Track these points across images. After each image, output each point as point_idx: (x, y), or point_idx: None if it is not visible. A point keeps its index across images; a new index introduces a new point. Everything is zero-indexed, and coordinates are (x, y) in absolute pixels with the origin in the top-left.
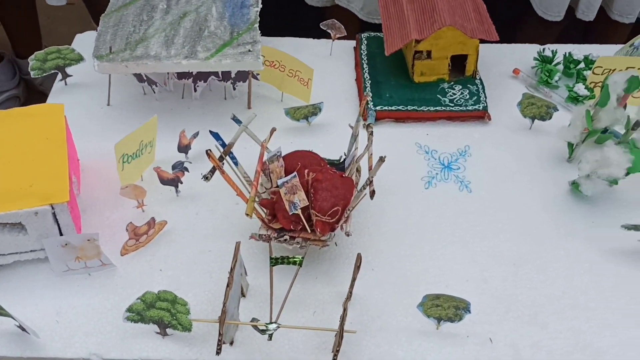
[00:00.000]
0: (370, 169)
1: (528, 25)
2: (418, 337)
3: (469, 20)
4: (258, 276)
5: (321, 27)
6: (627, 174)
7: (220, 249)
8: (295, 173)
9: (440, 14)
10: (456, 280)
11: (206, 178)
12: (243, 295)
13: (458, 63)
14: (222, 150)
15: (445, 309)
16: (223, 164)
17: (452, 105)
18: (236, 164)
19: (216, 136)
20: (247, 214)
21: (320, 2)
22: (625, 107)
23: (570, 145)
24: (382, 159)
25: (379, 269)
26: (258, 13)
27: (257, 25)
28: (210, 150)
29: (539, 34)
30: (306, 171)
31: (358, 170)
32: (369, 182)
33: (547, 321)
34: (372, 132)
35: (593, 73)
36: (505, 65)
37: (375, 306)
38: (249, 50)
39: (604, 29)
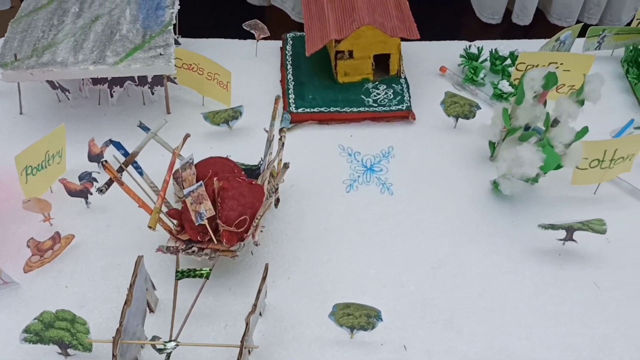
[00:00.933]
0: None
1: (468, 27)
2: (331, 347)
3: (390, 19)
4: (170, 289)
5: (244, 27)
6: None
7: (130, 262)
8: (201, 182)
9: (359, 12)
10: (373, 286)
11: (100, 191)
12: (151, 310)
13: (383, 62)
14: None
15: (357, 317)
16: (121, 175)
17: (376, 105)
18: (141, 173)
19: (117, 145)
20: (149, 227)
21: (258, 1)
22: (545, 103)
23: (491, 143)
24: (286, 166)
25: (295, 276)
26: (174, 15)
27: (171, 27)
28: (106, 161)
29: (480, 35)
30: (215, 179)
31: (273, 176)
32: (274, 190)
33: (462, 325)
34: (282, 136)
35: (516, 69)
36: (433, 63)
37: (290, 316)
38: (160, 54)
39: (545, 31)
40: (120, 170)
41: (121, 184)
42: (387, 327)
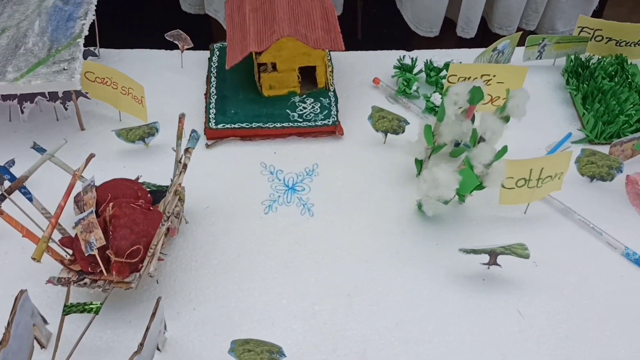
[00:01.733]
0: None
1: (417, 39)
2: None
3: (314, 30)
4: (67, 323)
5: (166, 37)
6: (471, 192)
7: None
8: (91, 209)
9: (280, 23)
10: (283, 317)
11: None
12: (42, 346)
13: (312, 74)
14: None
15: (258, 353)
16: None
17: (301, 120)
18: (30, 199)
19: (2, 170)
20: (33, 258)
21: (194, 9)
22: (473, 119)
23: (418, 161)
24: (176, 193)
25: (201, 307)
26: (85, 27)
27: (80, 40)
28: None
29: (436, 45)
30: (111, 205)
31: (182, 200)
32: (166, 218)
33: (375, 359)
34: (187, 157)
35: (448, 82)
36: (368, 75)
37: (191, 351)
38: (64, 69)
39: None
40: (3, 197)
41: (0, 212)
42: None
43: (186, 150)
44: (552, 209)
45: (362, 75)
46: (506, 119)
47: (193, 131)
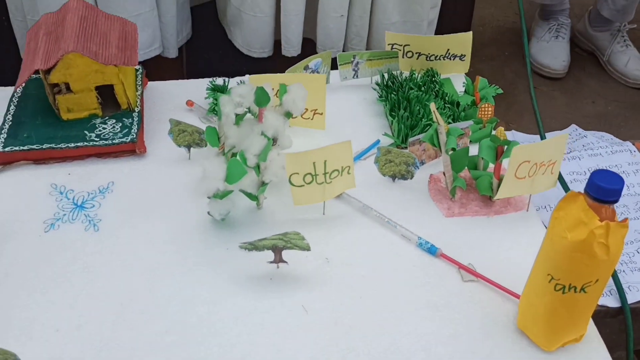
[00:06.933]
0: None
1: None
2: None
3: (107, 48)
4: None
5: None
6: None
7: None
8: None
9: (66, 40)
10: (43, 330)
11: None
12: None
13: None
14: None
15: None
16: None
17: (98, 140)
18: None
19: None
20: None
21: None
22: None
23: None
24: None
25: None
26: None
27: None
28: None
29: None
30: None
31: None
32: None
33: None
34: None
35: None
36: (185, 99)
37: None
38: None
39: None
40: None
41: None
42: None
43: None
44: (350, 208)
45: (178, 100)
46: (287, 115)
47: None
